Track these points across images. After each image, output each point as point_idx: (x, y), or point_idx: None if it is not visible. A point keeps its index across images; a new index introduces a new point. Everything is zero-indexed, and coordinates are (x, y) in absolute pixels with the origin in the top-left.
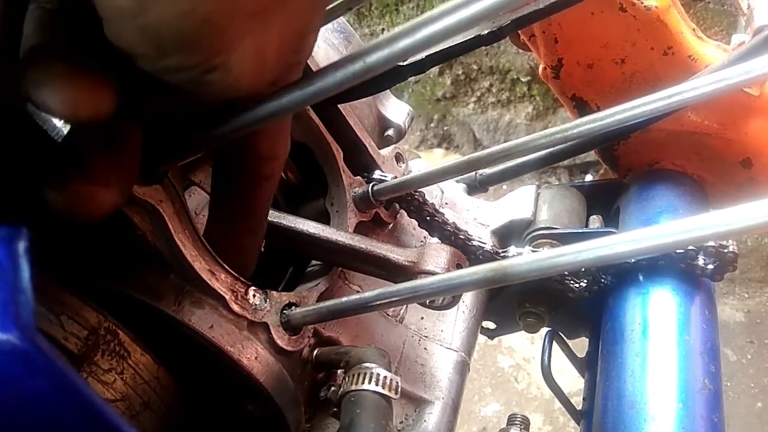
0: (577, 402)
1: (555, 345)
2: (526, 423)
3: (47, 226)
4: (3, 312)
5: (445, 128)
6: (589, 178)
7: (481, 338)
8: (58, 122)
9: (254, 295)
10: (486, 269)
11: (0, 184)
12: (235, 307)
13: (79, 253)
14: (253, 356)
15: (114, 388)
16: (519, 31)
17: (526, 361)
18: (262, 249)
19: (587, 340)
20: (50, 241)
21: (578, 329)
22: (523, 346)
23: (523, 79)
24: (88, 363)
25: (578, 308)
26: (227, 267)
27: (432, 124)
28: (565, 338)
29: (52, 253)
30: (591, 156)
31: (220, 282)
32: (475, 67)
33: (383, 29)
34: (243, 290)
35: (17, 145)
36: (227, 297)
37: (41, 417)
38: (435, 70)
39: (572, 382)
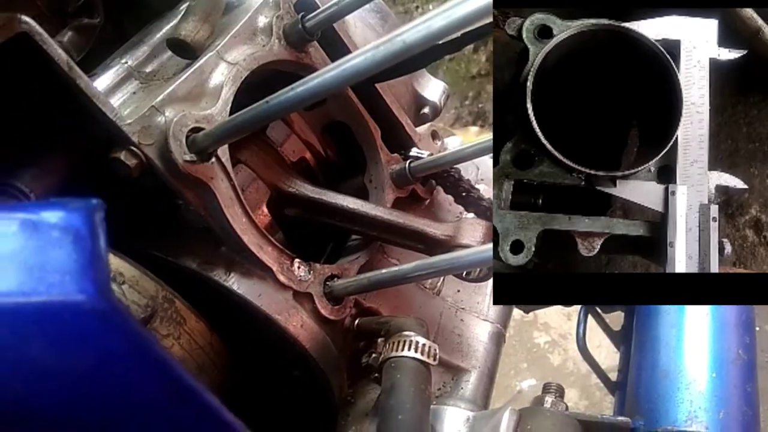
0: (613, 377)
1: (592, 321)
2: (560, 391)
3: (110, 201)
4: (82, 275)
5: (480, 105)
6: None
7: (517, 314)
8: (115, 103)
9: (299, 267)
10: None
11: (73, 163)
12: (282, 278)
13: (138, 227)
14: (298, 324)
15: (172, 352)
16: None
17: (562, 338)
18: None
19: (622, 314)
20: (112, 215)
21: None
22: (559, 323)
23: None
24: (148, 329)
25: None
26: (274, 241)
27: (467, 102)
28: (600, 312)
29: (113, 226)
30: None
31: (268, 254)
32: None
33: (417, 6)
34: (288, 262)
35: (82, 126)
36: (274, 268)
37: (117, 374)
38: (470, 47)
39: (607, 358)
